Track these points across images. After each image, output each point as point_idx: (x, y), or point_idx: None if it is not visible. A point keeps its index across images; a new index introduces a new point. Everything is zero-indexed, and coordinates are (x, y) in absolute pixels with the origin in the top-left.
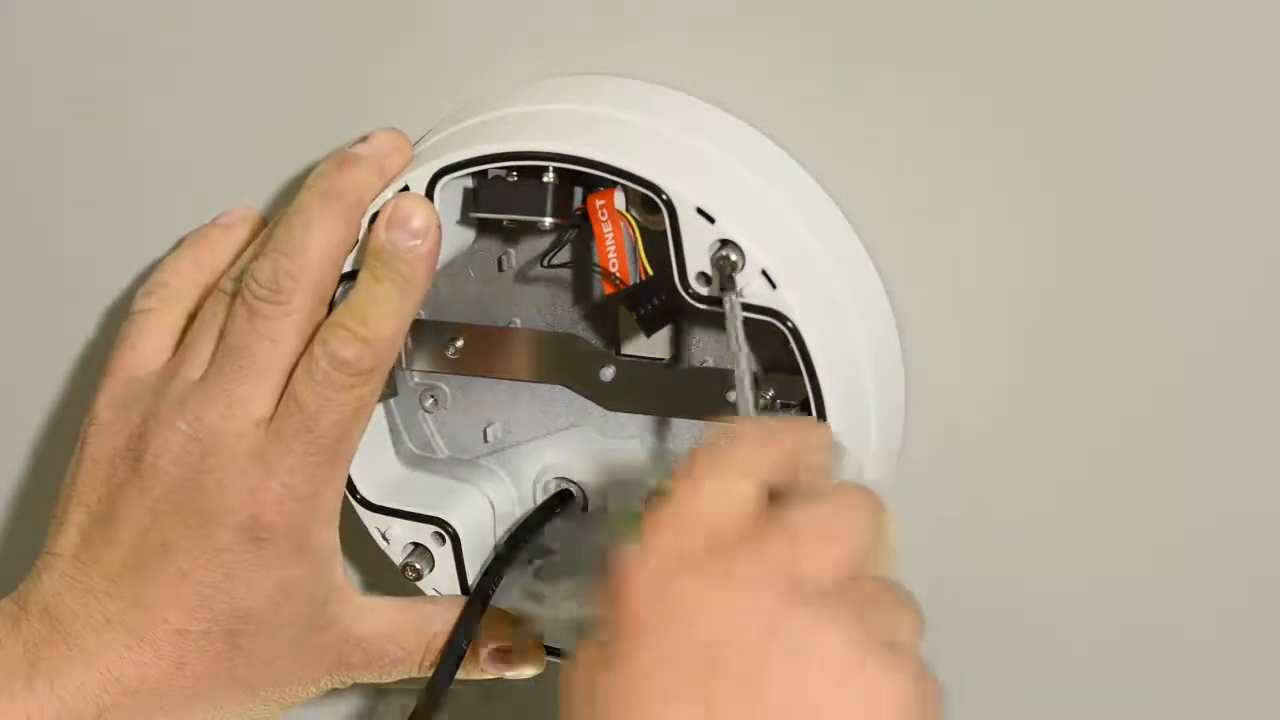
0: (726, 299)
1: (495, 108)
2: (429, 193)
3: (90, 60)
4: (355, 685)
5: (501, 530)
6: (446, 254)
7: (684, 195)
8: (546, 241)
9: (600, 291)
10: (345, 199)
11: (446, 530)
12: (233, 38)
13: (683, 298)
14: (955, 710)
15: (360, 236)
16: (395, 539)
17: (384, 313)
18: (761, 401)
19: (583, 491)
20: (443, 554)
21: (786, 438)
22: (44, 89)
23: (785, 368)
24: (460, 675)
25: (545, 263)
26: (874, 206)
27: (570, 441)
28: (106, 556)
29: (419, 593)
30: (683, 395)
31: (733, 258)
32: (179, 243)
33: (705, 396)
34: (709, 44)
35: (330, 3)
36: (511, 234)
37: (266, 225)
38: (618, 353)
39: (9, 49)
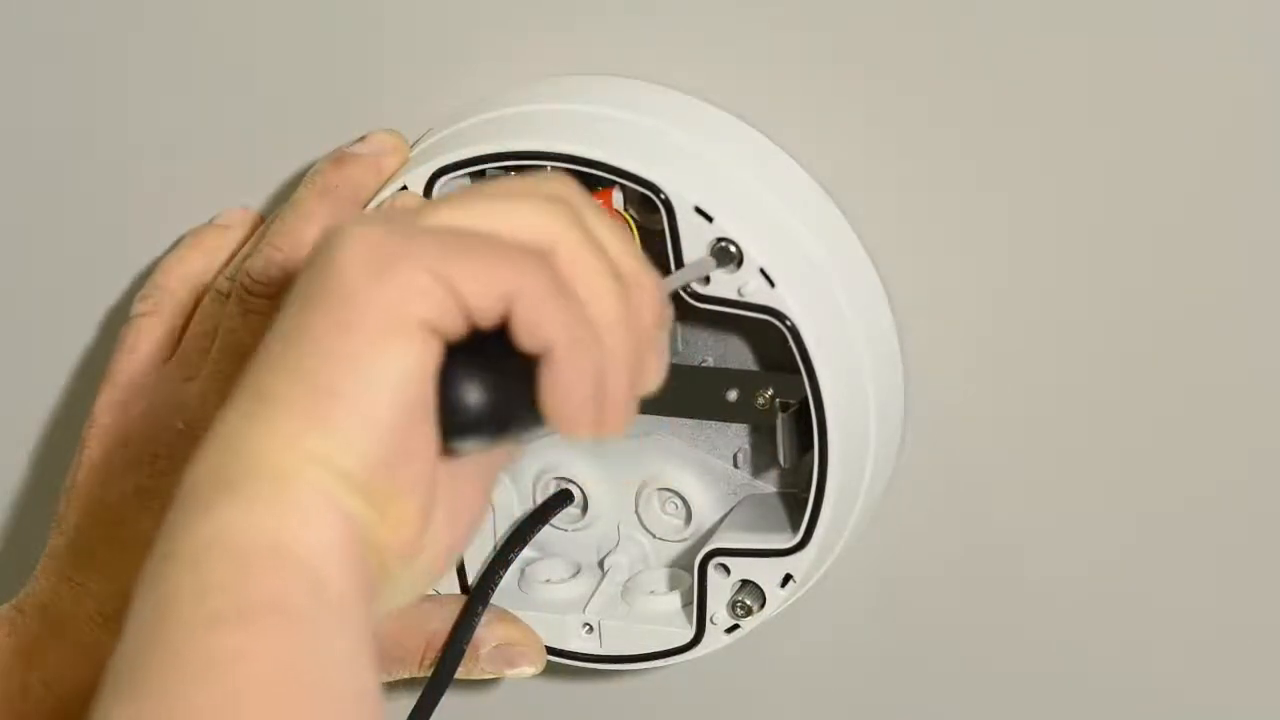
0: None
1: (493, 108)
2: (427, 192)
3: (89, 60)
4: None
5: (501, 530)
6: None
7: (682, 194)
8: None
9: None
10: (341, 195)
11: None
12: (232, 38)
13: (681, 297)
14: (956, 709)
15: None
16: None
17: None
18: (760, 401)
19: (583, 491)
20: None
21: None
22: (43, 89)
23: (785, 367)
24: (460, 675)
25: None
26: (874, 206)
27: (570, 441)
28: (105, 556)
29: None
30: (682, 394)
31: (731, 250)
32: (176, 243)
33: (704, 396)
34: (709, 44)
35: (330, 3)
36: None
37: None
38: None
39: (7, 49)
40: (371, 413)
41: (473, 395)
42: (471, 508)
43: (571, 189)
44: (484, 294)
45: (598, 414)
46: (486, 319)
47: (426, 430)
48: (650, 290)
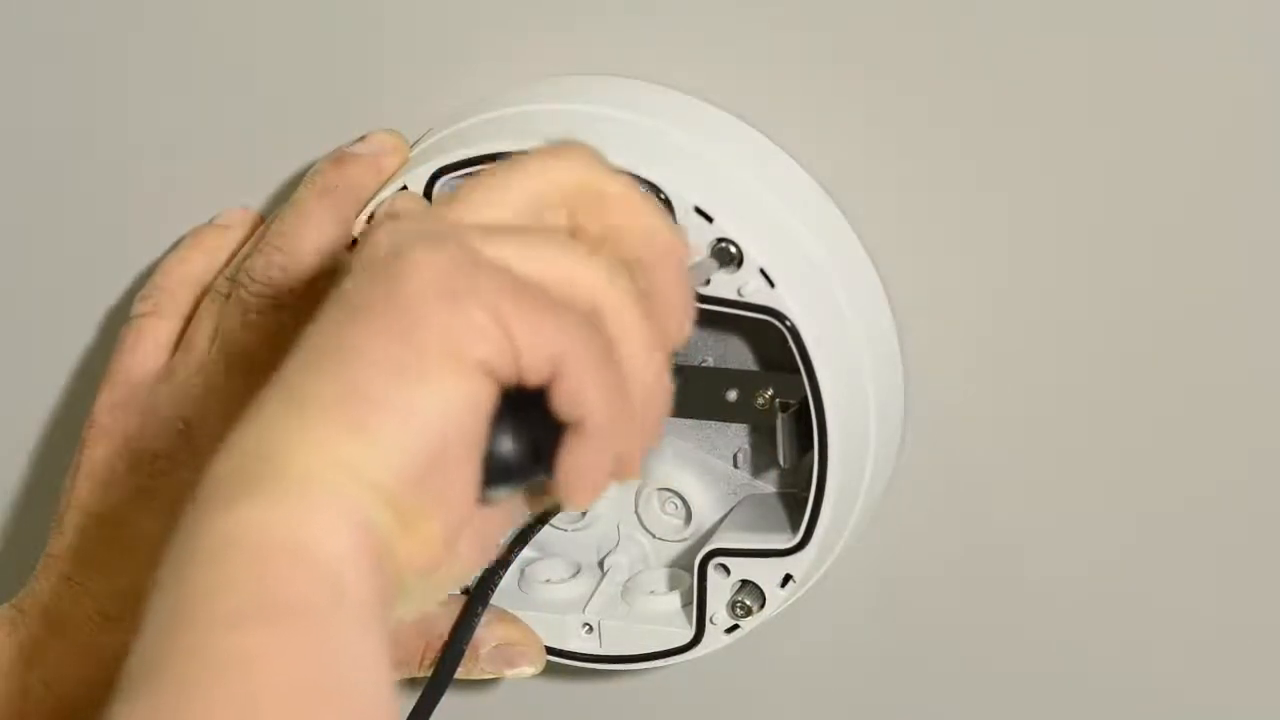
0: None
1: (494, 108)
2: (427, 192)
3: (89, 60)
4: None
5: None
6: None
7: (682, 194)
8: None
9: None
10: (341, 195)
11: None
12: (232, 38)
13: None
14: (956, 709)
15: (355, 235)
16: None
17: None
18: (760, 401)
19: None
20: None
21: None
22: (43, 89)
23: (785, 367)
24: (460, 675)
25: None
26: (874, 206)
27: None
28: (105, 557)
29: None
30: (681, 394)
31: (731, 251)
32: (177, 244)
33: (704, 396)
34: (709, 44)
35: (330, 3)
36: None
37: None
38: None
39: (7, 49)
40: (415, 431)
41: (508, 445)
42: (488, 542)
43: (597, 174)
44: (538, 353)
45: (604, 488)
46: (533, 377)
47: (471, 466)
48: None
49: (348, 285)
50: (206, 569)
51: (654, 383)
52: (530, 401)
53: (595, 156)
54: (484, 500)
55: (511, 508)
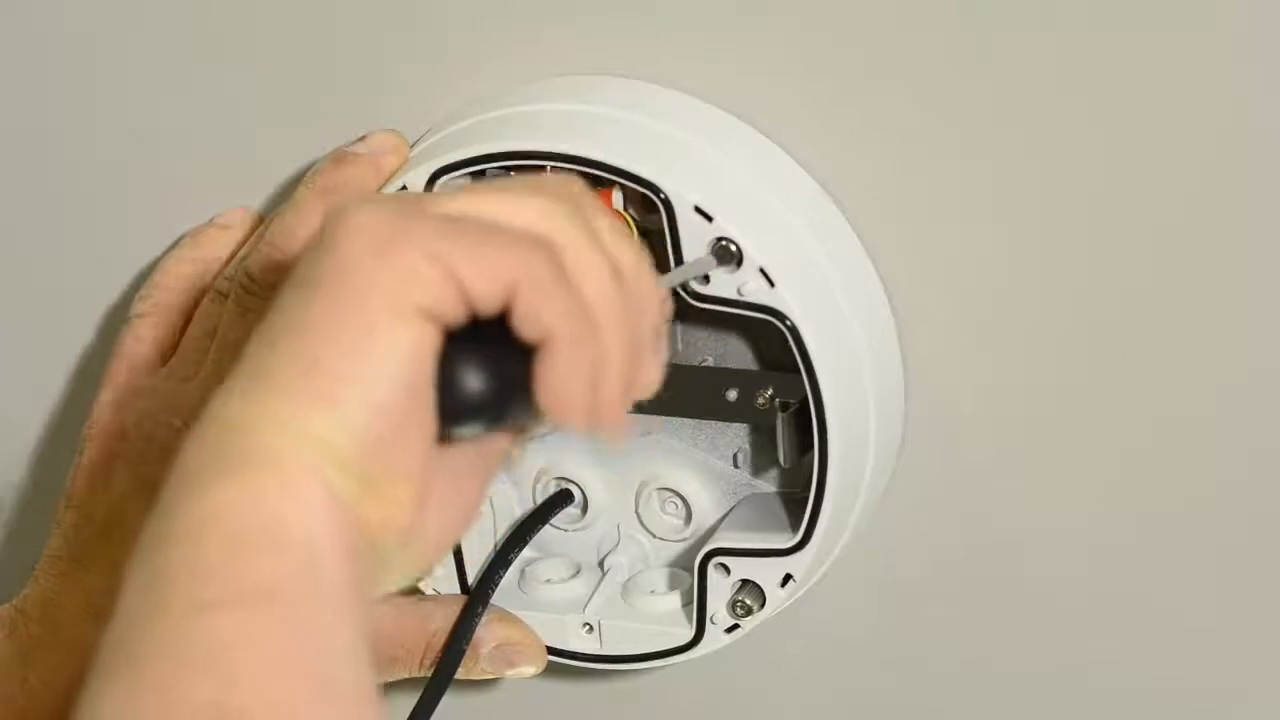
0: None
1: (493, 107)
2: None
3: (89, 60)
4: None
5: (501, 530)
6: None
7: (681, 194)
8: None
9: None
10: (340, 195)
11: None
12: (232, 37)
13: (681, 296)
14: (956, 709)
15: None
16: None
17: None
18: (760, 401)
19: (583, 491)
20: None
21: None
22: (43, 89)
23: (785, 367)
24: (460, 675)
25: None
26: (874, 206)
27: (570, 441)
28: (105, 556)
29: (418, 592)
30: (681, 394)
31: (731, 250)
32: (176, 243)
33: (704, 396)
34: (709, 44)
35: (330, 3)
36: None
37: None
38: None
39: (7, 49)
40: (367, 395)
41: (470, 381)
42: (467, 497)
43: (576, 187)
44: (485, 280)
45: (593, 405)
46: (487, 306)
47: (423, 414)
48: (650, 291)
49: (300, 261)
50: (181, 552)
51: (611, 296)
52: (494, 339)
53: (581, 197)
54: (450, 439)
55: (482, 458)
